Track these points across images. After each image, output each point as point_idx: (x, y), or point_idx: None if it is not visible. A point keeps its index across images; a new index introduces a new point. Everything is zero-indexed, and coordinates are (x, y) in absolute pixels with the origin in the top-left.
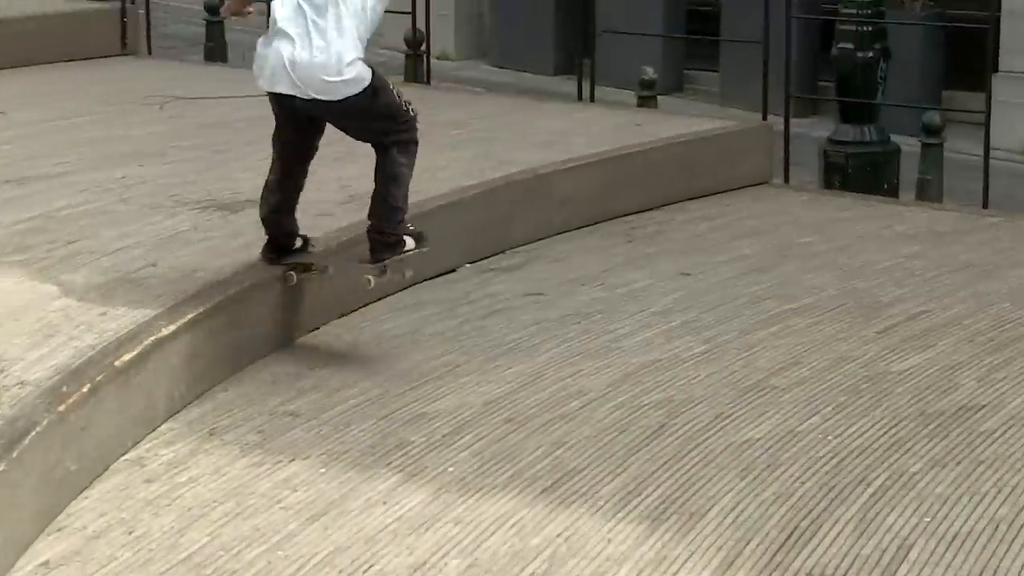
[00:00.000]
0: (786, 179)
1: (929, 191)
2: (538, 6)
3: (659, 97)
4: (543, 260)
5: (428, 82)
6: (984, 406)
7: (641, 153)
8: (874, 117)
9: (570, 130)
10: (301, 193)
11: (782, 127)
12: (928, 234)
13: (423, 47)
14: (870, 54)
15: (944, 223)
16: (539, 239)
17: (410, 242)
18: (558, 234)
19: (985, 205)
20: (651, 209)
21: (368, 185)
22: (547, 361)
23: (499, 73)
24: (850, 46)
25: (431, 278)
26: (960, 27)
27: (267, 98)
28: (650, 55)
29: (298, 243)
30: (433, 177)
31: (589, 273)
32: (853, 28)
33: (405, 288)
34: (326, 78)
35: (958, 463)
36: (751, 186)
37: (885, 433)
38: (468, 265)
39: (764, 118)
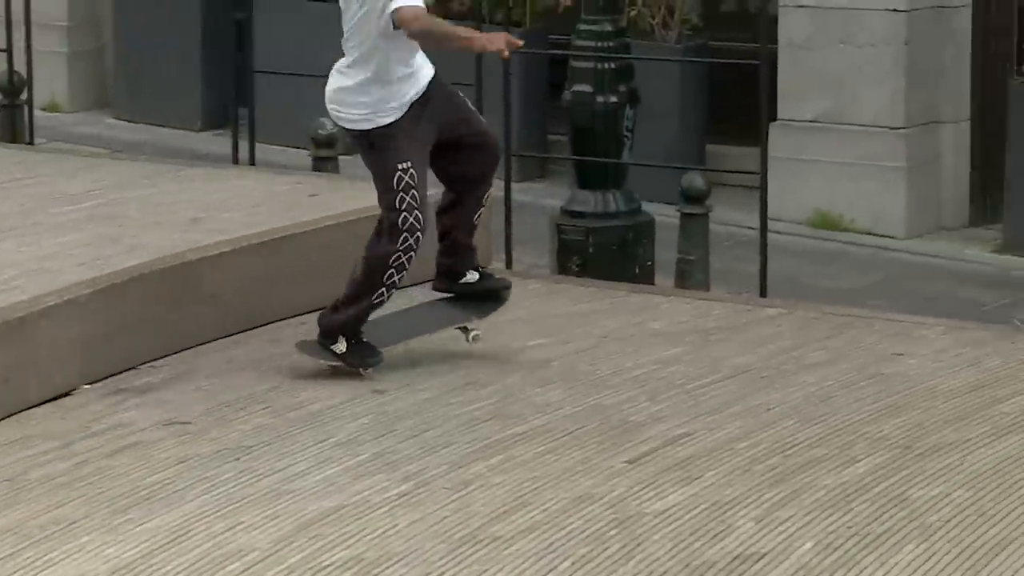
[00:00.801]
0: (508, 263)
1: (692, 275)
2: (178, 40)
3: (340, 158)
4: (190, 377)
5: (31, 141)
6: (765, 554)
7: (317, 232)
8: (620, 180)
9: (224, 203)
10: (465, 218)
11: (502, 194)
12: (691, 332)
13: (24, 95)
14: (613, 99)
15: (712, 317)
16: (184, 348)
17: (339, 346)
18: (210, 341)
19: (763, 293)
20: None
21: (28, 265)
22: (196, 511)
23: (128, 129)
24: (587, 88)
25: (37, 405)
26: (728, 63)
27: None
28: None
29: (468, 277)
30: (37, 269)
31: (251, 392)
32: (591, 65)
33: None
34: (330, 104)
35: None
36: None
37: None
38: (87, 386)
39: None
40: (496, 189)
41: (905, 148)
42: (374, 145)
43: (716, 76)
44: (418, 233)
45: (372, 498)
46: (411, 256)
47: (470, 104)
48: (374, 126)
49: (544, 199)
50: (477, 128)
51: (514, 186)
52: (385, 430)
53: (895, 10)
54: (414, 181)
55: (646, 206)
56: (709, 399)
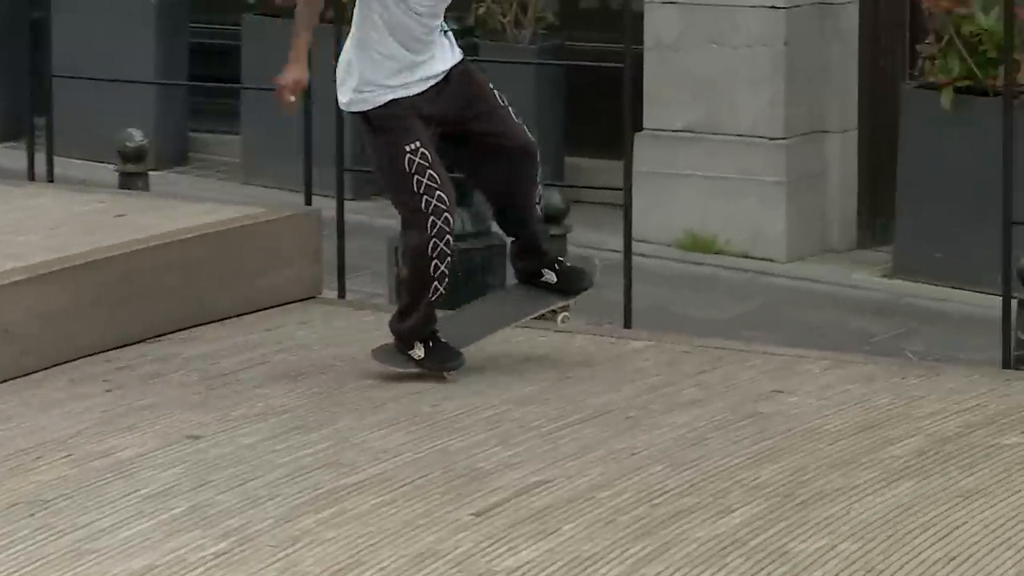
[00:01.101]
0: (341, 292)
1: None
2: None
3: (152, 173)
4: None
5: None
6: None
7: (125, 257)
8: (467, 198)
9: (18, 225)
10: (523, 221)
11: (333, 214)
12: (548, 368)
13: None
14: None
15: (571, 351)
16: None
17: (417, 352)
18: (3, 381)
19: (627, 324)
20: (143, 341)
21: None
22: None
23: None
24: None
25: None
26: (588, 66)
27: None
28: (138, 111)
29: (547, 276)
30: None
31: (50, 438)
32: None
33: None
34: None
35: None
36: (292, 303)
37: None
38: None
39: (308, 202)
40: (327, 208)
41: (785, 161)
42: (376, 128)
43: (575, 80)
44: (445, 214)
45: (187, 557)
46: (447, 239)
47: (503, 99)
48: (371, 107)
49: (380, 219)
50: (512, 128)
51: (349, 205)
52: (202, 480)
53: (773, 7)
54: (427, 161)
55: (497, 227)
56: (568, 442)
